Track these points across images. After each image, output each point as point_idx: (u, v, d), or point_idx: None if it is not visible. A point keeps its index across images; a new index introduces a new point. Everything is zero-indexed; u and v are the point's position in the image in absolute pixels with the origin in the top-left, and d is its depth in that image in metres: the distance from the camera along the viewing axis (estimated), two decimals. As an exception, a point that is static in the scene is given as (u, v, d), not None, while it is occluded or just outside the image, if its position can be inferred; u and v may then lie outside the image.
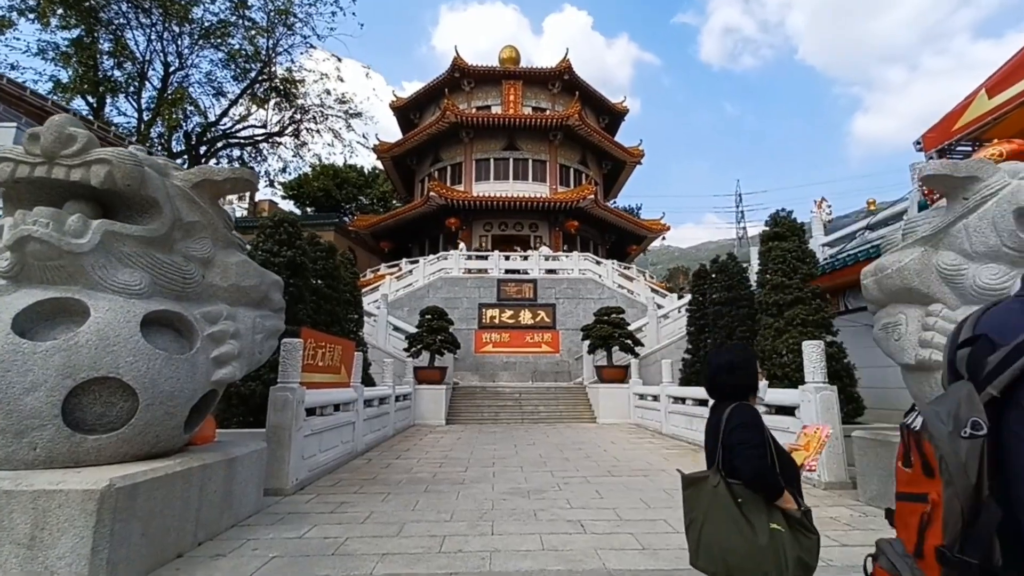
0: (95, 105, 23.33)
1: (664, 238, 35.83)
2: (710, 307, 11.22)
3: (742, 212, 68.65)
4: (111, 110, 24.55)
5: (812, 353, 5.79)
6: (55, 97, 21.38)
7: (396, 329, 15.86)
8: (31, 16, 20.63)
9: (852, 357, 7.97)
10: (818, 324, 8.05)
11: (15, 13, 20.53)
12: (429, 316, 14.15)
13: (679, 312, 16.86)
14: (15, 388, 2.88)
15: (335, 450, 6.59)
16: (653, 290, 20.98)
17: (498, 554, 3.40)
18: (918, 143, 8.63)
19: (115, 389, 3.18)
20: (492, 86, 29.38)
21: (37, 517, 2.61)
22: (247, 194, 34.35)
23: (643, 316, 17.21)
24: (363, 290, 21.41)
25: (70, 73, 21.89)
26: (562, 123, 26.23)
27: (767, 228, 9.11)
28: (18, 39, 24.73)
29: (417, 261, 21.48)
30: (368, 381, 11.20)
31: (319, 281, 9.73)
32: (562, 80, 29.10)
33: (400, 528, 3.99)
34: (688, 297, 16.38)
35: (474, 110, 28.20)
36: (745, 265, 11.65)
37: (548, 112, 28.02)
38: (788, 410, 6.23)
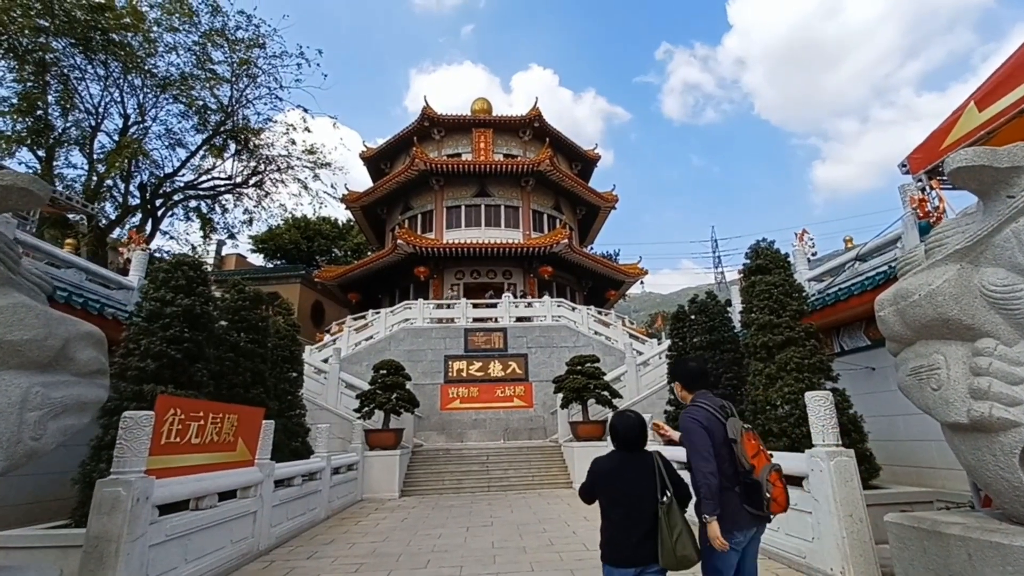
0: (43, 158, 22.18)
1: (643, 284, 35.23)
2: (691, 352, 10.06)
3: (719, 257, 69.38)
4: (62, 162, 23.41)
5: (819, 407, 4.59)
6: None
7: (349, 387, 14.28)
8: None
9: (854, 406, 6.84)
10: (815, 368, 6.89)
11: None
12: (384, 371, 12.70)
13: (659, 358, 15.66)
14: None
15: (217, 554, 5.04)
16: (631, 336, 19.82)
17: None
18: (903, 165, 7.84)
19: None
20: (462, 134, 29.18)
21: None
22: (211, 249, 32.82)
23: (621, 364, 15.95)
24: (322, 343, 19.91)
25: (12, 125, 20.81)
26: (534, 168, 25.85)
27: (748, 261, 8.15)
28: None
29: (379, 312, 20.11)
30: (308, 450, 9.63)
31: (240, 335, 8.39)
32: (532, 128, 29.07)
33: None
34: (668, 342, 15.23)
35: (444, 157, 27.78)
36: (727, 308, 10.62)
37: (519, 158, 27.74)
38: (794, 480, 4.94)
